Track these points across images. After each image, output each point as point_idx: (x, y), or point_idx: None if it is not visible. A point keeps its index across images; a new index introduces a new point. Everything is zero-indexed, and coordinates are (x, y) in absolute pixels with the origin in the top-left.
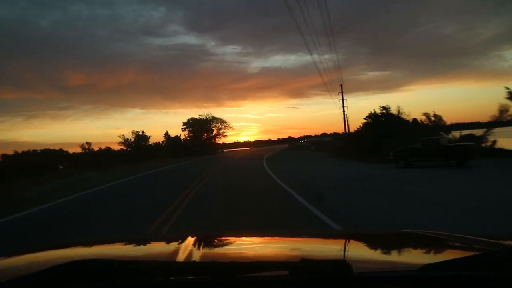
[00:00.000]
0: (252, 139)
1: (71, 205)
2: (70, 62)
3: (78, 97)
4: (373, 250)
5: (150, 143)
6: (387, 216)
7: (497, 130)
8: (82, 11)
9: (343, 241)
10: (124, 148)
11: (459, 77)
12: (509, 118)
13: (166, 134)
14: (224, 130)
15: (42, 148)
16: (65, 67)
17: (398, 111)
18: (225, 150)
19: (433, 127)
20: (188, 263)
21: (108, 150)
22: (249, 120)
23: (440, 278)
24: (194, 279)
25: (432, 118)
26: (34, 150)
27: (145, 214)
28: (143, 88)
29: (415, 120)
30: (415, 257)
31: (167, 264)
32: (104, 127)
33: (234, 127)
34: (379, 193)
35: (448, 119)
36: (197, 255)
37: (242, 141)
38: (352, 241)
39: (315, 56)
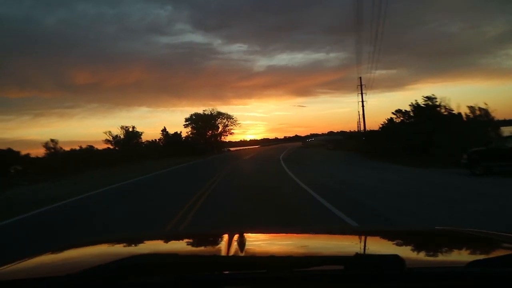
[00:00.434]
0: (258, 137)
1: None
2: (76, 61)
3: (84, 95)
4: (419, 247)
5: (143, 140)
6: None
7: None
8: (88, 10)
9: (389, 237)
10: (112, 147)
11: (465, 75)
12: None
13: (164, 130)
14: (231, 127)
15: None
16: (71, 65)
17: (441, 103)
18: (231, 149)
19: (486, 122)
20: (245, 258)
21: (89, 149)
22: (256, 119)
23: (489, 274)
24: (255, 273)
25: (478, 112)
26: None
27: None
28: (149, 86)
29: (459, 114)
30: (459, 253)
31: (223, 259)
32: (110, 125)
33: (241, 124)
34: None
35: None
36: (248, 250)
37: (248, 140)
38: (397, 238)
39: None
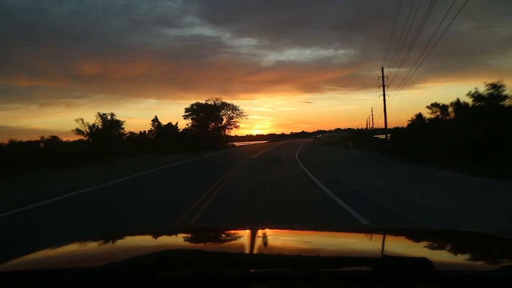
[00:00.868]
0: (265, 132)
1: None
2: (84, 51)
3: (92, 86)
4: (447, 248)
5: (127, 132)
6: None
7: None
8: (97, 1)
9: (414, 238)
10: (85, 139)
11: (475, 75)
12: None
13: (155, 120)
14: (237, 120)
15: (52, 135)
16: (79, 56)
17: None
18: (236, 144)
19: None
20: (270, 256)
21: (50, 142)
22: (263, 114)
23: None
24: (281, 272)
25: None
26: None
27: None
28: (157, 78)
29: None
30: (487, 256)
31: (249, 257)
32: (117, 116)
33: (248, 116)
34: None
35: None
36: (272, 247)
37: (255, 134)
38: (422, 238)
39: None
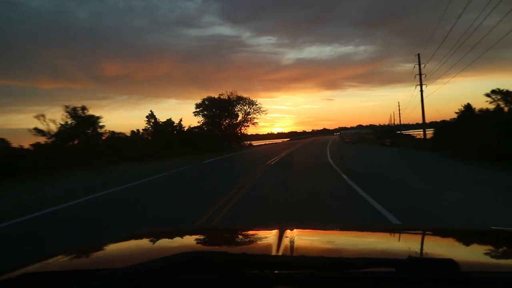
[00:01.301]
0: (286, 130)
1: None
2: (107, 53)
3: (114, 87)
4: (474, 249)
5: (106, 131)
6: None
7: None
8: (118, 2)
9: (440, 238)
10: (48, 142)
11: (498, 69)
12: None
13: (150, 116)
14: (254, 116)
15: None
16: (101, 57)
17: None
18: (254, 143)
19: None
20: (294, 257)
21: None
22: (283, 112)
23: None
24: (303, 273)
25: None
26: None
27: None
28: (178, 78)
29: None
30: None
31: (273, 258)
32: (139, 117)
33: (267, 112)
34: None
35: None
36: (298, 248)
37: (276, 133)
38: (449, 239)
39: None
